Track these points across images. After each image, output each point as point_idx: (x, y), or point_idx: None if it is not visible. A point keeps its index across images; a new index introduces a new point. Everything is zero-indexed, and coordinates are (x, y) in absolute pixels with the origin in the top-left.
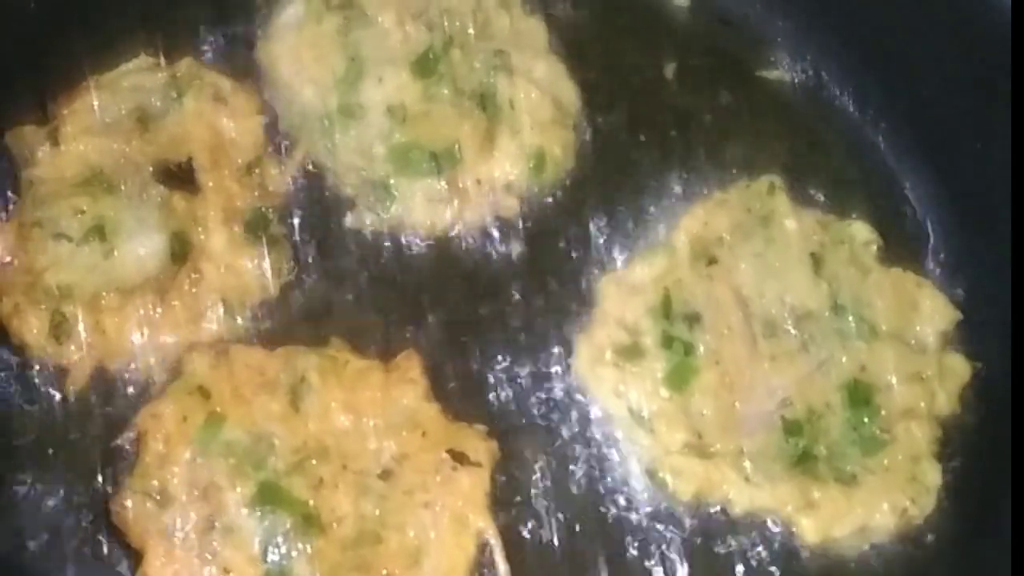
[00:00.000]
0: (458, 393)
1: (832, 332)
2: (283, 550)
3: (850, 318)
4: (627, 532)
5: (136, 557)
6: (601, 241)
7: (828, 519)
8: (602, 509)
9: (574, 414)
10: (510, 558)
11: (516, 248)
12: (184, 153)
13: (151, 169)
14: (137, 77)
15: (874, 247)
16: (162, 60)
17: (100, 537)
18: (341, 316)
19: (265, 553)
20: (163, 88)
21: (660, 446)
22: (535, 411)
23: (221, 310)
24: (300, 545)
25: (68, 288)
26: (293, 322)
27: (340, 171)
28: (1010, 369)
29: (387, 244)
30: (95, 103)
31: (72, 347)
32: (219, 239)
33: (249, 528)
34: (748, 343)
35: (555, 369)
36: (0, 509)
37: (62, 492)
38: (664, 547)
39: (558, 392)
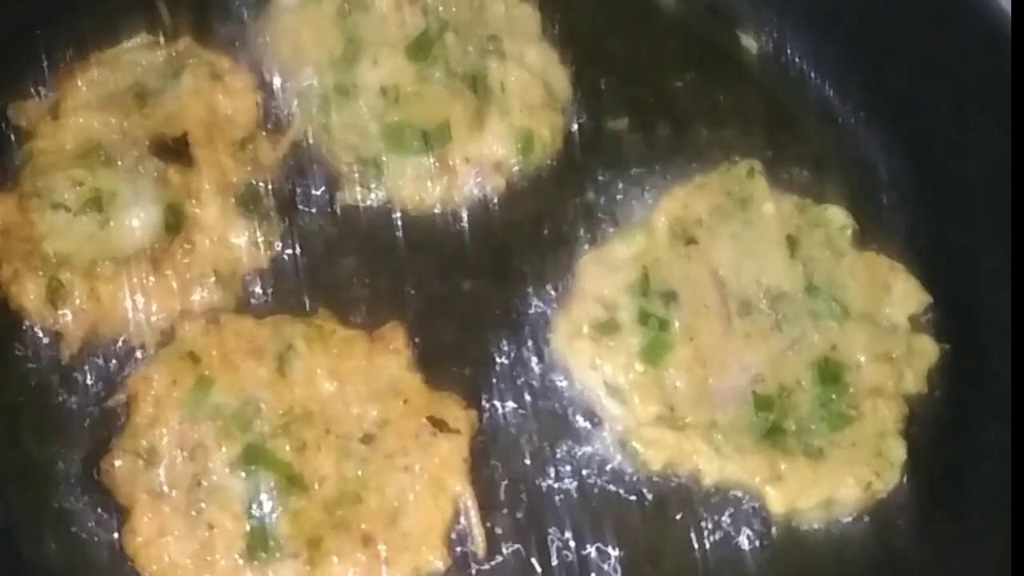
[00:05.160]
0: (440, 364)
1: (805, 312)
2: (266, 508)
3: (823, 299)
4: (599, 500)
5: (123, 514)
6: (583, 220)
7: (795, 491)
8: (576, 477)
9: (551, 386)
10: (485, 520)
11: (501, 225)
12: (180, 128)
13: (147, 143)
14: (137, 54)
15: (849, 231)
16: (161, 38)
17: (88, 495)
18: (329, 287)
19: (249, 511)
20: (161, 65)
21: (633, 417)
22: (514, 382)
23: (212, 280)
24: (283, 504)
25: (65, 256)
26: (282, 292)
27: (333, 148)
28: (982, 352)
29: (376, 219)
30: (95, 78)
31: (68, 312)
32: (212, 212)
33: (234, 487)
34: (723, 321)
35: (534, 342)
36: None
37: (54, 451)
38: (634, 515)
39: (536, 364)
